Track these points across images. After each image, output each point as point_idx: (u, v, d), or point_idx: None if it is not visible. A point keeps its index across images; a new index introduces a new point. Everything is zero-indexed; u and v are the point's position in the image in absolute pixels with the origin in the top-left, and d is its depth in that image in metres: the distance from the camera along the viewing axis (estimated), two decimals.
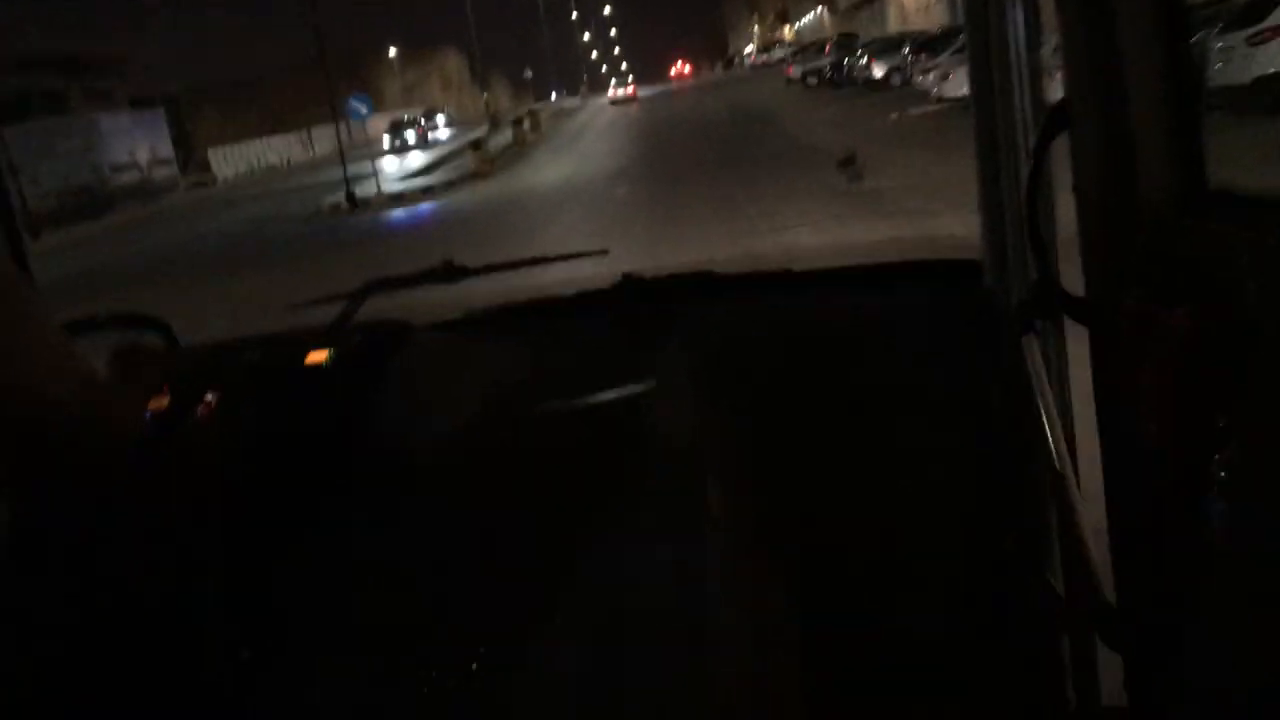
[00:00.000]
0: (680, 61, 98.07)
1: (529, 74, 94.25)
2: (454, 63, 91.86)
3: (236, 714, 1.40)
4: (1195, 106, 0.87)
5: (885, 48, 27.66)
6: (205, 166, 45.87)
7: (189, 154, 53.50)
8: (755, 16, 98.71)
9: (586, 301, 1.89)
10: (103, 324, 1.71)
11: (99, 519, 1.36)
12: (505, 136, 32.33)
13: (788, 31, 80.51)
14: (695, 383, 1.68)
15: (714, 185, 14.77)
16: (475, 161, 24.49)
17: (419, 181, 24.62)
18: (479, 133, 33.34)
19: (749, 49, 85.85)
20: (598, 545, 1.52)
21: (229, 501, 1.46)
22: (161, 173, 39.13)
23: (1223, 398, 0.80)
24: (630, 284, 1.84)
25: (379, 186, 22.81)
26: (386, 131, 40.02)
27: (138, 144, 39.73)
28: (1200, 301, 0.81)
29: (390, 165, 31.37)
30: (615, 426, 1.63)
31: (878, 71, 27.44)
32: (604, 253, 2.21)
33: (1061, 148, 1.04)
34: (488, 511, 1.59)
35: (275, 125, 59.70)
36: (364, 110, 23.34)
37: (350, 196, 21.45)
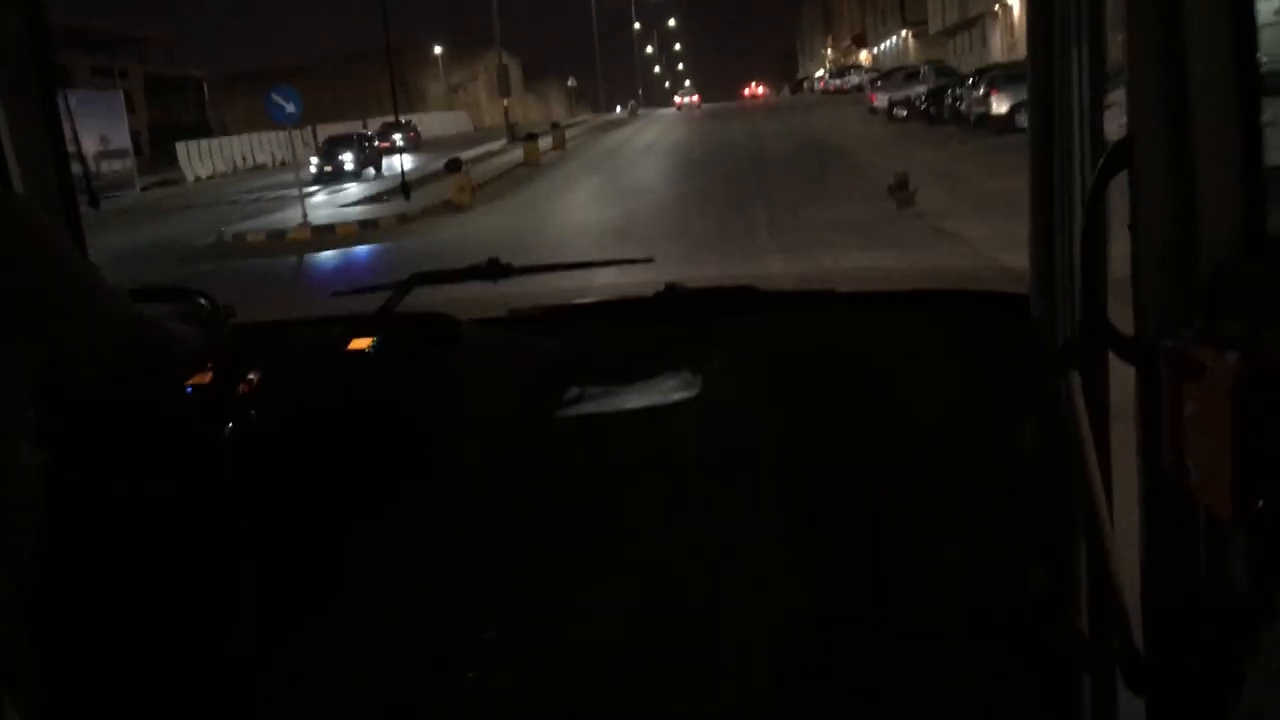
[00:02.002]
0: (755, 84, 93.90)
1: (572, 83, 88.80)
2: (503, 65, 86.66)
3: (265, 685, 1.47)
4: (1258, 152, 0.89)
5: (1011, 76, 20.37)
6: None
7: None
8: (829, 39, 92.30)
9: (629, 307, 1.98)
10: (154, 295, 1.73)
11: (136, 485, 1.43)
12: (516, 154, 26.32)
13: (864, 57, 73.95)
14: (735, 394, 1.70)
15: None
16: (453, 189, 18.42)
17: (358, 212, 18.74)
18: (480, 150, 27.28)
19: (819, 73, 79.30)
20: (628, 548, 1.61)
21: (264, 478, 1.51)
22: (112, 167, 32.06)
23: (1269, 444, 0.80)
24: (673, 293, 1.91)
25: (305, 215, 16.85)
26: (316, 155, 28.15)
27: (83, 131, 33.54)
28: (1253, 346, 0.82)
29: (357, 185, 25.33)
30: (653, 432, 1.67)
31: (999, 106, 20.50)
32: (649, 260, 2.26)
33: (1114, 185, 1.05)
34: (519, 508, 1.64)
35: (307, 118, 55.18)
36: (289, 108, 17.17)
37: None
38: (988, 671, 1.61)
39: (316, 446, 1.57)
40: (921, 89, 27.64)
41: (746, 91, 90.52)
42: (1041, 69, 1.34)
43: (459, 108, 79.16)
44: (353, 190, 23.62)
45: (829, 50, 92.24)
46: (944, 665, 1.63)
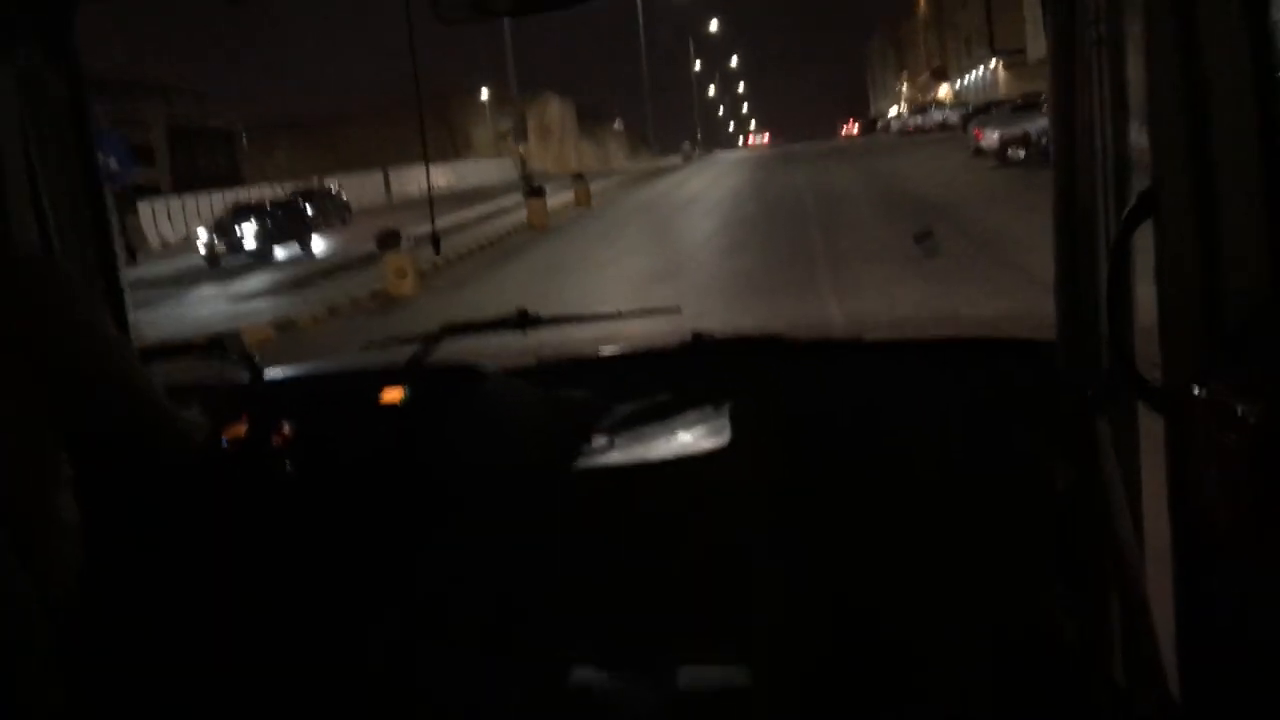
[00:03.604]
0: (850, 120, 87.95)
1: (619, 125, 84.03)
2: (555, 110, 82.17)
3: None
4: None
5: None
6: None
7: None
8: (904, 74, 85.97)
9: (656, 357, 1.99)
10: (188, 350, 1.80)
11: (164, 533, 1.45)
12: (517, 215, 20.74)
13: (944, 92, 67.53)
14: (760, 445, 1.70)
15: None
16: (389, 274, 12.81)
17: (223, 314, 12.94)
18: (479, 210, 21.60)
19: (893, 111, 73.00)
20: (653, 598, 1.61)
21: (297, 528, 1.53)
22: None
23: None
24: (700, 343, 1.91)
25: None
26: (209, 229, 20.29)
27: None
28: None
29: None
30: (681, 481, 1.65)
31: None
32: (676, 310, 2.26)
33: (1141, 233, 1.03)
34: (546, 555, 1.64)
35: (343, 166, 51.40)
36: (113, 164, 11.55)
37: None
38: None
39: (349, 497, 1.57)
40: (1043, 122, 21.17)
41: (843, 131, 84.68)
42: (1063, 116, 1.33)
43: (507, 154, 74.82)
44: (251, 284, 16.27)
45: (903, 86, 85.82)
46: (973, 715, 1.59)
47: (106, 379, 1.26)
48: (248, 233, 19.82)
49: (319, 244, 21.55)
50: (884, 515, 1.67)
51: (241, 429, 1.56)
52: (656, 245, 16.07)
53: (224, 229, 19.98)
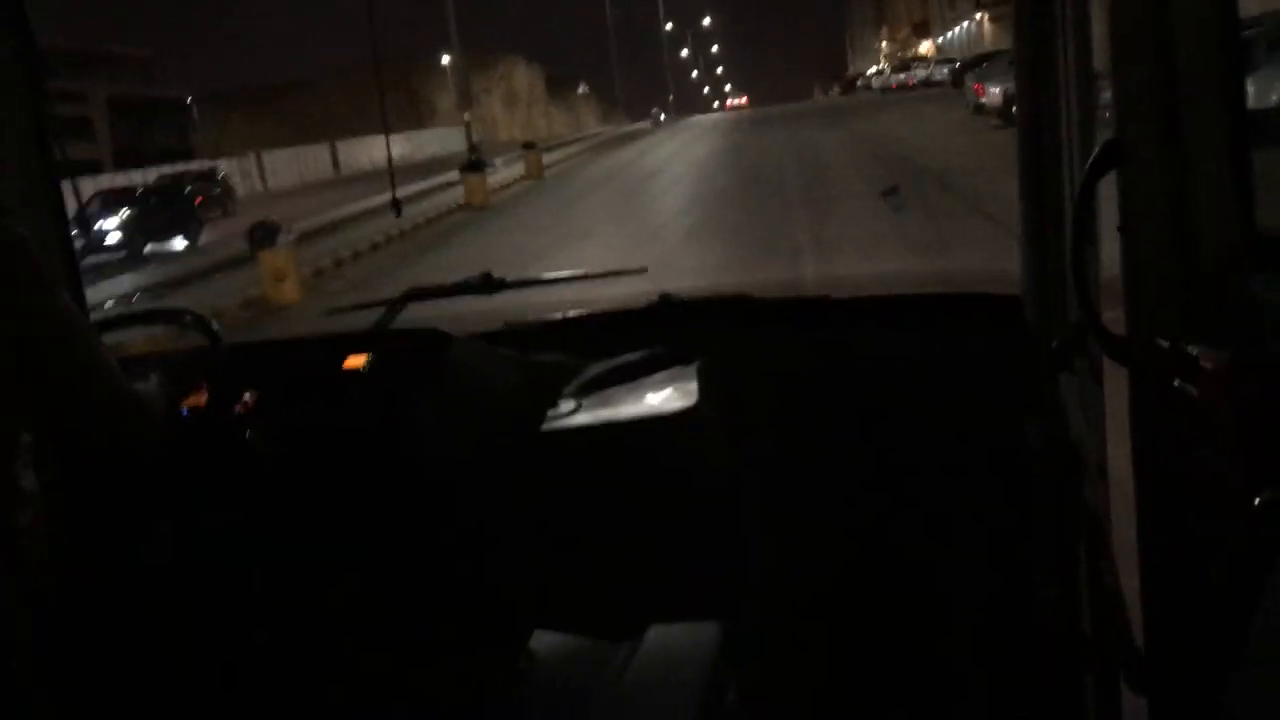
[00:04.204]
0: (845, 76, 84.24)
1: (583, 89, 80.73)
2: (522, 75, 78.69)
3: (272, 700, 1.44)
4: (1248, 148, 0.87)
5: None
6: None
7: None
8: (884, 31, 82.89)
9: (623, 318, 1.95)
10: (145, 319, 1.82)
11: (134, 515, 1.41)
12: (458, 192, 17.97)
13: (926, 48, 64.67)
14: (729, 405, 1.69)
15: None
16: (266, 277, 10.17)
17: None
18: (414, 187, 18.86)
19: (874, 69, 70.12)
20: (626, 564, 1.57)
21: (262, 500, 1.50)
22: None
23: (1264, 442, 0.80)
24: (668, 304, 1.92)
25: None
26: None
27: None
28: (1247, 344, 0.82)
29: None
30: (649, 444, 1.64)
31: None
32: (643, 270, 2.23)
33: (1106, 185, 1.03)
34: (518, 523, 1.62)
35: (302, 137, 48.30)
36: None
37: None
38: (991, 671, 1.61)
39: (314, 465, 1.53)
40: None
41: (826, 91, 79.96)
42: (1028, 67, 1.33)
43: (473, 122, 71.36)
44: (101, 290, 12.73)
45: (884, 43, 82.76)
46: (947, 665, 1.63)
47: (64, 354, 1.23)
48: (110, 226, 16.79)
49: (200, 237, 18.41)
50: (854, 473, 1.68)
51: (202, 398, 1.51)
52: (609, 229, 13.40)
53: (83, 222, 16.82)
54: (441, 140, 54.08)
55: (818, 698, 1.65)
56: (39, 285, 1.20)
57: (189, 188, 20.41)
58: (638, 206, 15.65)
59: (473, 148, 24.19)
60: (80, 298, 1.74)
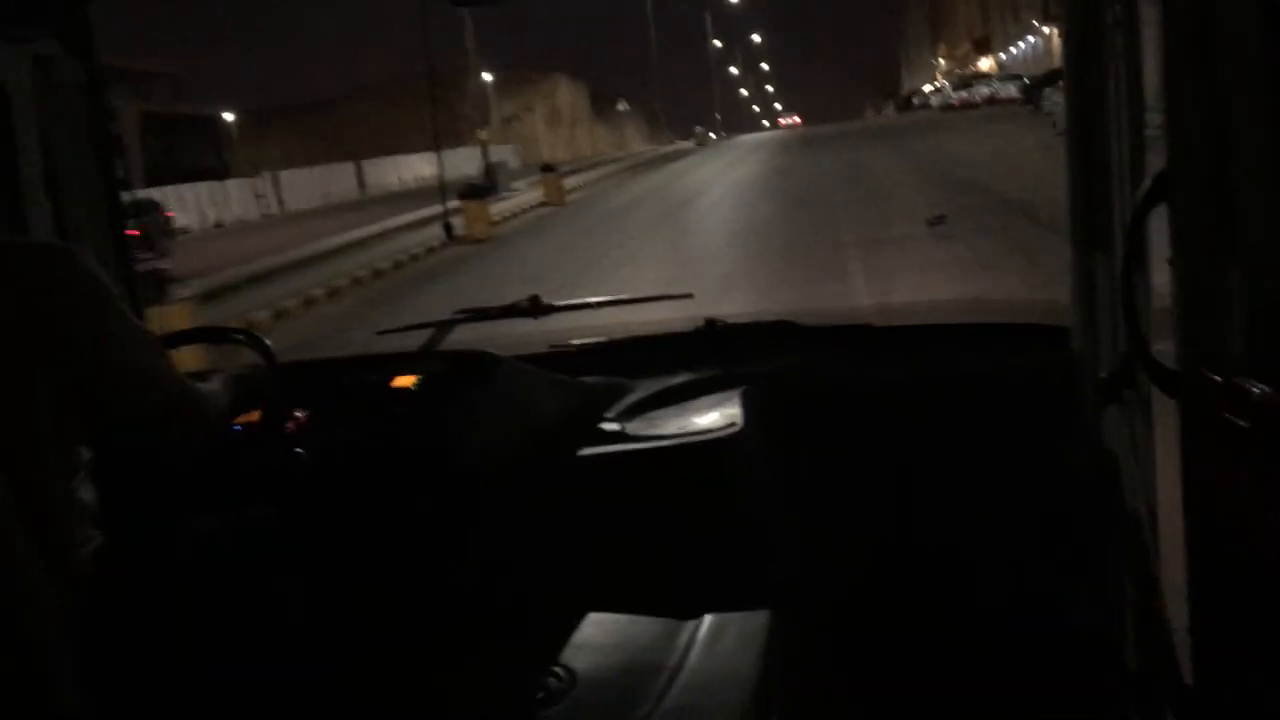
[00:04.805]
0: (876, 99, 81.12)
1: (623, 106, 78.64)
2: (565, 92, 76.87)
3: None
4: None
5: None
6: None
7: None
8: (941, 47, 79.68)
9: (668, 342, 1.98)
10: (203, 338, 1.82)
11: (182, 523, 1.42)
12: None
13: (986, 64, 61.45)
14: (775, 430, 1.69)
15: None
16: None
17: None
18: (416, 215, 16.44)
19: (929, 86, 67.08)
20: (669, 584, 1.57)
21: (312, 516, 1.51)
22: None
23: None
24: (713, 328, 1.93)
25: None
26: None
27: None
28: None
29: None
30: (693, 466, 1.64)
31: None
32: (689, 296, 2.19)
33: (1157, 216, 1.02)
34: (559, 542, 1.63)
35: (340, 154, 46.95)
36: None
37: None
38: (1037, 702, 1.56)
39: (362, 483, 1.56)
40: None
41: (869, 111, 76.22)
42: (1078, 99, 1.32)
43: (514, 141, 69.67)
44: None
45: (940, 59, 79.54)
46: (992, 700, 1.58)
47: (130, 366, 1.25)
48: None
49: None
50: (897, 499, 1.64)
51: (255, 415, 1.55)
52: (624, 274, 10.88)
53: None
54: (478, 159, 52.14)
55: (840, 704, 1.57)
56: (106, 304, 1.23)
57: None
58: (665, 244, 13.09)
59: (490, 169, 21.90)
60: (138, 309, 1.75)
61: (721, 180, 22.14)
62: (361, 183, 40.41)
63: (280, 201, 33.31)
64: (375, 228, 16.85)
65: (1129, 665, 1.32)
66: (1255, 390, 0.81)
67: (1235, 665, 0.94)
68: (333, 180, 39.33)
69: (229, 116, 67.24)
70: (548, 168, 20.31)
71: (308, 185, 36.12)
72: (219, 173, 42.78)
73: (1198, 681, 0.99)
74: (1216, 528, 0.92)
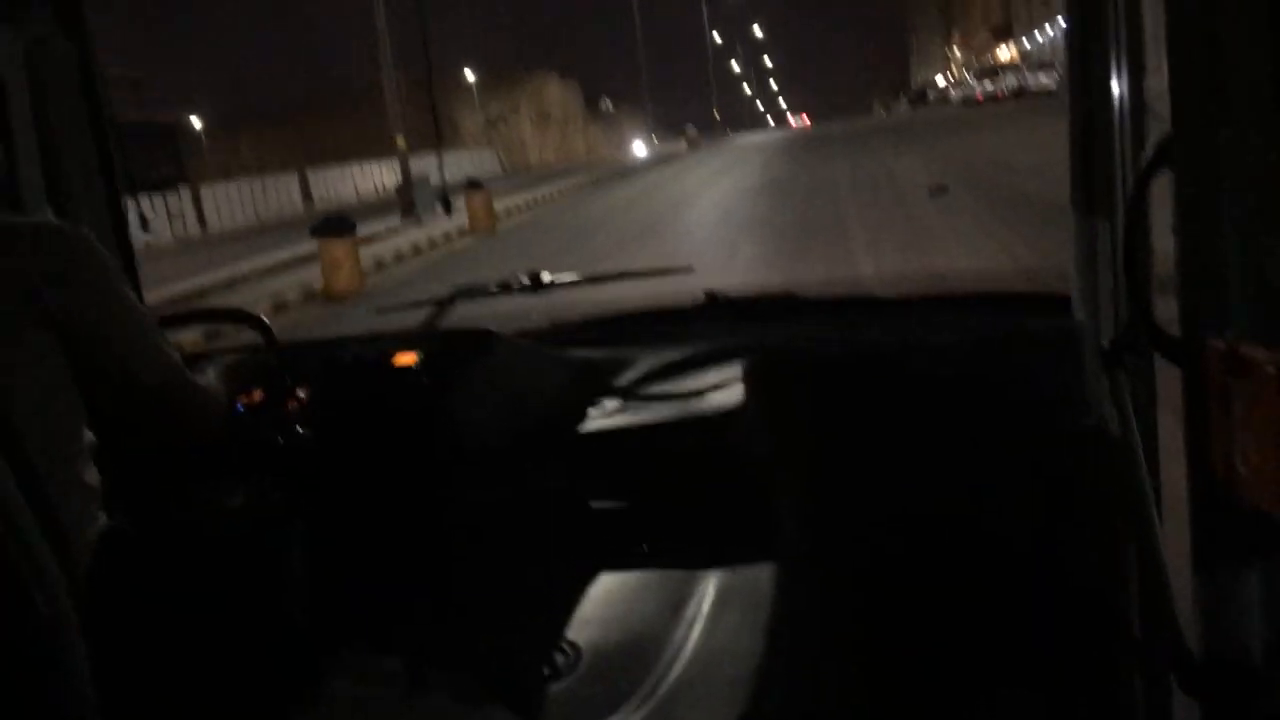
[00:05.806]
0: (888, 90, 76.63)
1: (607, 105, 74.14)
2: (555, 92, 72.34)
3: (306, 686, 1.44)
4: None
5: None
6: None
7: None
8: (954, 36, 74.92)
9: (669, 317, 1.99)
10: (203, 318, 1.84)
11: (184, 503, 1.43)
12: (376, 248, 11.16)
13: (1006, 52, 56.78)
14: (777, 403, 1.70)
15: None
16: None
17: None
18: (269, 259, 12.12)
19: (940, 79, 62.39)
20: (668, 555, 1.62)
21: (313, 491, 1.52)
22: None
23: None
24: (714, 302, 1.92)
25: None
26: None
27: None
28: None
29: None
30: (696, 440, 1.66)
31: None
32: (689, 269, 2.26)
33: (1159, 181, 1.02)
34: (561, 517, 1.66)
35: (311, 160, 42.84)
36: None
37: None
38: (1038, 669, 1.57)
39: (364, 461, 1.57)
40: None
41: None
42: (1079, 67, 1.32)
43: (499, 144, 65.03)
44: None
45: (955, 49, 74.79)
46: (995, 666, 1.58)
47: (133, 348, 1.26)
48: None
49: None
50: (900, 470, 1.67)
51: (257, 395, 1.55)
52: None
53: None
54: (457, 163, 47.47)
55: (841, 681, 1.57)
56: (109, 285, 1.22)
57: None
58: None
59: (407, 185, 17.38)
60: (138, 290, 1.71)
61: (708, 191, 17.63)
62: (307, 194, 35.72)
63: (202, 220, 28.74)
64: (224, 273, 12.41)
65: (1132, 632, 1.33)
66: (1260, 356, 0.82)
67: (1239, 633, 0.94)
68: (282, 191, 34.77)
69: (197, 123, 63.22)
70: (474, 184, 15.76)
71: (242, 199, 31.64)
72: (177, 181, 38.63)
73: (1201, 649, 0.99)
74: (1220, 495, 0.91)
